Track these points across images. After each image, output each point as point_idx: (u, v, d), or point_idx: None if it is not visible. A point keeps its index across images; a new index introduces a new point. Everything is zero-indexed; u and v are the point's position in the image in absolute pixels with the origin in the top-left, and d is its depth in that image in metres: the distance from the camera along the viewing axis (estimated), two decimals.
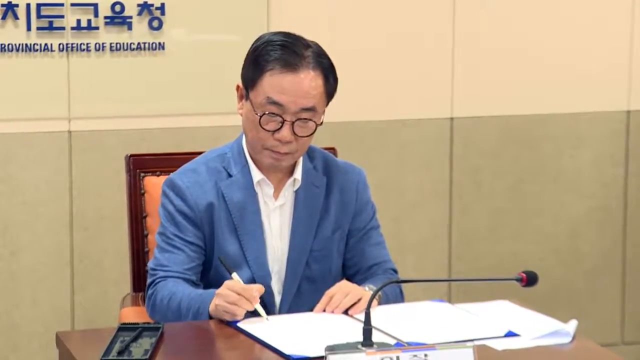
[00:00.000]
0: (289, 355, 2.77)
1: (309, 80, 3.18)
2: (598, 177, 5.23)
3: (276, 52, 3.19)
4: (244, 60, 3.25)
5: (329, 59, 3.25)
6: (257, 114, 3.18)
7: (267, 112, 3.17)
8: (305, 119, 3.19)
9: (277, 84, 3.16)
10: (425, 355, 2.58)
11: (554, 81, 5.11)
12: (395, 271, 3.42)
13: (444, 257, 4.90)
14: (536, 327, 3.01)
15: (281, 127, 3.17)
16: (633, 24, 5.15)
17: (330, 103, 3.30)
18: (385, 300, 3.24)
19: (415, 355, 2.58)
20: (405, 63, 4.93)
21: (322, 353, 2.68)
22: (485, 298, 3.29)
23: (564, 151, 5.18)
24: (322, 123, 3.24)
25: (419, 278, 2.99)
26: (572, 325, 2.98)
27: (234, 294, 3.02)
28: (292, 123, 3.17)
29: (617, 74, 5.17)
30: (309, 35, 3.29)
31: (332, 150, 3.63)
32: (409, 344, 2.82)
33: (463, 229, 5.06)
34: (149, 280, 3.32)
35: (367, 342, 2.73)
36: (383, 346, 2.70)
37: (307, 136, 3.21)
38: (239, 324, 3.00)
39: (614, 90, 5.18)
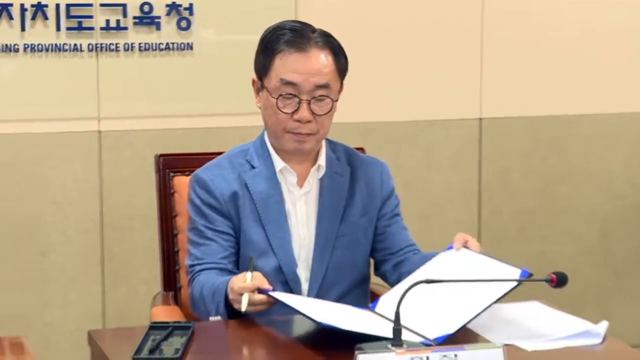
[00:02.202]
0: (320, 322, 2.83)
1: (319, 58, 3.23)
2: (629, 178, 5.22)
3: (285, 36, 3.25)
4: (255, 53, 3.30)
5: (336, 39, 3.29)
6: (273, 97, 3.22)
7: (283, 94, 3.21)
8: (321, 96, 3.23)
9: (288, 64, 3.21)
10: (455, 355, 2.57)
11: (583, 82, 5.12)
12: None
13: None
14: (566, 328, 2.99)
15: (299, 107, 3.21)
16: None
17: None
18: None
19: (445, 356, 2.57)
20: (434, 64, 4.94)
21: (349, 327, 2.78)
22: (516, 298, 3.22)
23: (594, 152, 5.17)
24: (337, 100, 3.28)
25: (451, 278, 2.94)
26: (602, 326, 2.95)
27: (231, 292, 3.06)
28: (309, 102, 3.21)
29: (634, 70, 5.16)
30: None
31: (361, 149, 3.62)
32: (436, 339, 2.82)
33: (492, 229, 5.06)
34: (187, 278, 3.35)
35: (397, 341, 2.71)
36: (412, 346, 2.69)
37: (325, 114, 3.24)
38: (271, 293, 3.02)
39: (625, 83, 5.18)
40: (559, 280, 2.96)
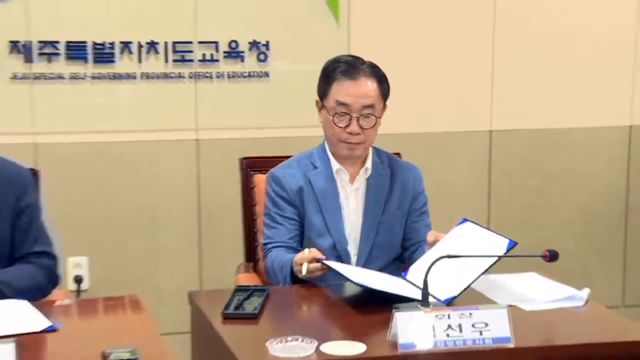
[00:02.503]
0: (362, 284, 2.89)
1: (366, 85, 3.24)
2: (608, 179, 5.11)
3: (340, 67, 3.27)
4: (318, 80, 3.33)
5: (381, 70, 3.30)
6: (330, 115, 3.26)
7: (338, 112, 3.24)
8: (367, 114, 3.24)
9: (343, 90, 3.24)
10: (470, 313, 2.56)
11: (573, 101, 5.01)
12: None
13: None
14: (557, 293, 2.99)
15: (350, 122, 3.24)
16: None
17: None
18: None
19: (462, 314, 2.56)
20: (456, 89, 4.85)
21: (386, 289, 2.83)
22: (517, 269, 3.25)
23: (581, 158, 5.06)
24: (380, 117, 3.29)
25: (464, 254, 2.91)
26: (585, 292, 2.96)
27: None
28: (358, 118, 3.23)
29: (620, 89, 5.05)
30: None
31: (398, 154, 3.59)
32: (445, 301, 2.84)
33: (499, 220, 4.96)
34: (263, 253, 3.39)
35: (425, 302, 2.71)
36: (437, 306, 2.70)
37: (370, 128, 3.26)
38: (324, 262, 3.08)
39: (613, 100, 5.06)
40: (551, 256, 2.95)
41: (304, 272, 3.03)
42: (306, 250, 3.08)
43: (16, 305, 2.81)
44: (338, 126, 3.24)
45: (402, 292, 2.85)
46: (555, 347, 2.63)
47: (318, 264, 3.03)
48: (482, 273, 2.90)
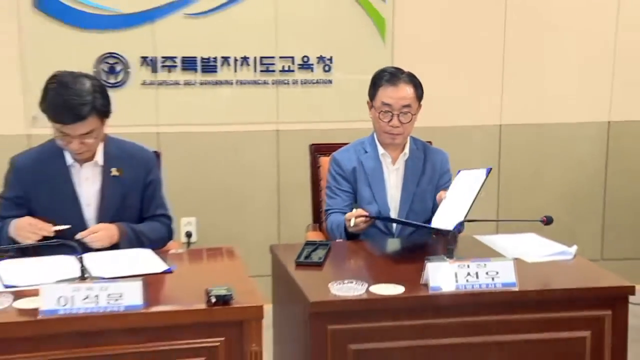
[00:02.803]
0: (401, 220, 3.10)
1: (405, 89, 3.21)
2: (589, 162, 4.97)
3: (385, 76, 3.25)
4: (369, 86, 3.31)
5: (417, 78, 3.27)
6: (377, 112, 3.24)
7: (382, 111, 3.22)
8: (405, 112, 3.21)
9: (386, 93, 3.22)
10: (484, 264, 2.54)
11: (565, 101, 4.87)
12: None
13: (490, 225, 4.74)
14: (552, 249, 2.96)
15: (392, 118, 3.22)
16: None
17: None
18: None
19: (478, 264, 2.54)
20: (473, 91, 4.75)
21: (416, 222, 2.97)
22: (518, 231, 3.20)
23: (569, 147, 4.93)
24: (416, 114, 3.26)
25: (476, 218, 2.88)
26: (573, 248, 2.93)
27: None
28: (398, 115, 3.21)
29: (600, 90, 4.89)
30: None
31: (430, 142, 3.54)
32: (454, 228, 2.84)
33: (506, 194, 4.87)
34: (325, 217, 3.39)
35: (450, 256, 2.68)
36: (460, 258, 2.64)
37: (408, 122, 3.24)
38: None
39: (595, 100, 4.91)
40: (548, 221, 2.95)
41: (351, 224, 3.04)
42: (354, 210, 3.10)
43: (142, 252, 2.84)
44: (383, 121, 3.21)
45: (431, 224, 2.96)
46: (550, 291, 2.61)
47: (361, 218, 3.05)
48: (474, 200, 2.89)
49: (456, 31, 4.66)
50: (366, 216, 3.06)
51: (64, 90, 2.77)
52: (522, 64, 4.76)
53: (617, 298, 2.60)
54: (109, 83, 4.30)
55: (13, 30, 4.19)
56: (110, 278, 2.45)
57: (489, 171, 2.96)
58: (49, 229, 2.75)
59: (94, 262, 2.65)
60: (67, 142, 2.84)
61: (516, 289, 2.52)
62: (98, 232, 2.84)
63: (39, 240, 2.77)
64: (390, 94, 3.19)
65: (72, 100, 2.76)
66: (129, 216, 3.00)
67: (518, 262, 2.66)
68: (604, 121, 4.91)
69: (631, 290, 2.60)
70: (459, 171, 3.11)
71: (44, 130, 3.01)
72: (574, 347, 2.59)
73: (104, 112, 2.85)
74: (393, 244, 3.16)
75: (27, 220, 2.81)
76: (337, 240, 3.18)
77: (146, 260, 2.74)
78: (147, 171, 3.06)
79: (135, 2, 4.31)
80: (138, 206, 3.05)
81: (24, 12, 4.19)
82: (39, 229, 2.76)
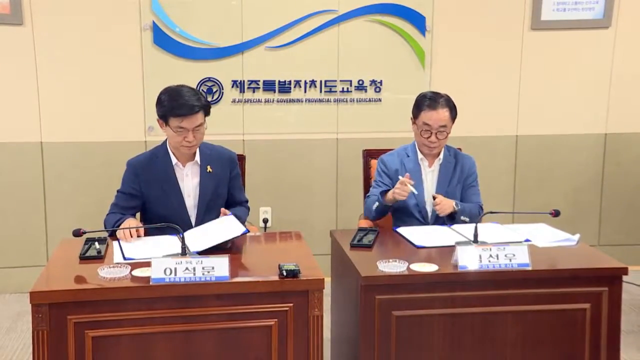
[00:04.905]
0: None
1: (442, 112, 3.12)
2: (589, 167, 4.81)
3: (426, 100, 3.15)
4: (412, 107, 3.21)
5: (452, 101, 3.17)
6: (419, 130, 3.16)
7: (424, 129, 3.14)
8: (442, 130, 3.13)
9: (427, 115, 3.13)
10: (504, 248, 2.50)
11: (570, 116, 4.72)
12: (482, 207, 3.25)
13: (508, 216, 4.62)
14: (559, 236, 2.89)
15: (430, 135, 3.14)
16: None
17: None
18: (462, 211, 3.12)
19: (498, 248, 2.50)
20: (494, 107, 4.64)
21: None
22: (531, 221, 3.12)
23: (573, 155, 4.78)
24: (449, 132, 3.17)
25: (496, 210, 2.82)
26: (576, 236, 2.87)
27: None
28: (436, 133, 3.12)
29: (598, 103, 4.72)
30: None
31: (460, 149, 3.44)
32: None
33: (521, 192, 4.73)
34: (365, 199, 3.34)
35: (475, 240, 2.65)
36: (483, 243, 2.61)
37: (444, 138, 3.15)
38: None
39: (594, 116, 4.74)
40: (556, 213, 2.86)
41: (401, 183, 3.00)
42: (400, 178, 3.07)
43: (227, 220, 2.80)
44: (423, 137, 3.15)
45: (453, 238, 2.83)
46: (557, 270, 2.55)
47: (406, 183, 3.00)
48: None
49: (480, 62, 4.57)
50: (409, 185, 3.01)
51: (177, 93, 2.85)
52: (535, 86, 4.64)
53: (613, 277, 2.55)
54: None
55: (137, 61, 4.27)
56: (203, 251, 2.50)
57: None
58: (134, 236, 2.75)
59: (191, 236, 2.66)
60: (184, 136, 2.86)
61: (529, 268, 2.49)
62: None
63: (149, 224, 2.83)
64: (430, 117, 3.11)
65: (187, 97, 2.83)
66: (220, 204, 3.01)
67: (531, 246, 2.64)
68: (601, 133, 4.77)
69: (625, 270, 2.56)
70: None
71: (157, 137, 3.05)
72: (576, 317, 2.55)
73: (208, 108, 2.90)
74: (428, 230, 3.09)
75: (130, 222, 2.81)
76: (383, 228, 3.13)
77: (230, 226, 2.73)
78: (232, 167, 3.10)
79: (228, 38, 4.33)
80: (225, 196, 3.07)
81: (145, 47, 4.27)
82: (129, 234, 2.75)
